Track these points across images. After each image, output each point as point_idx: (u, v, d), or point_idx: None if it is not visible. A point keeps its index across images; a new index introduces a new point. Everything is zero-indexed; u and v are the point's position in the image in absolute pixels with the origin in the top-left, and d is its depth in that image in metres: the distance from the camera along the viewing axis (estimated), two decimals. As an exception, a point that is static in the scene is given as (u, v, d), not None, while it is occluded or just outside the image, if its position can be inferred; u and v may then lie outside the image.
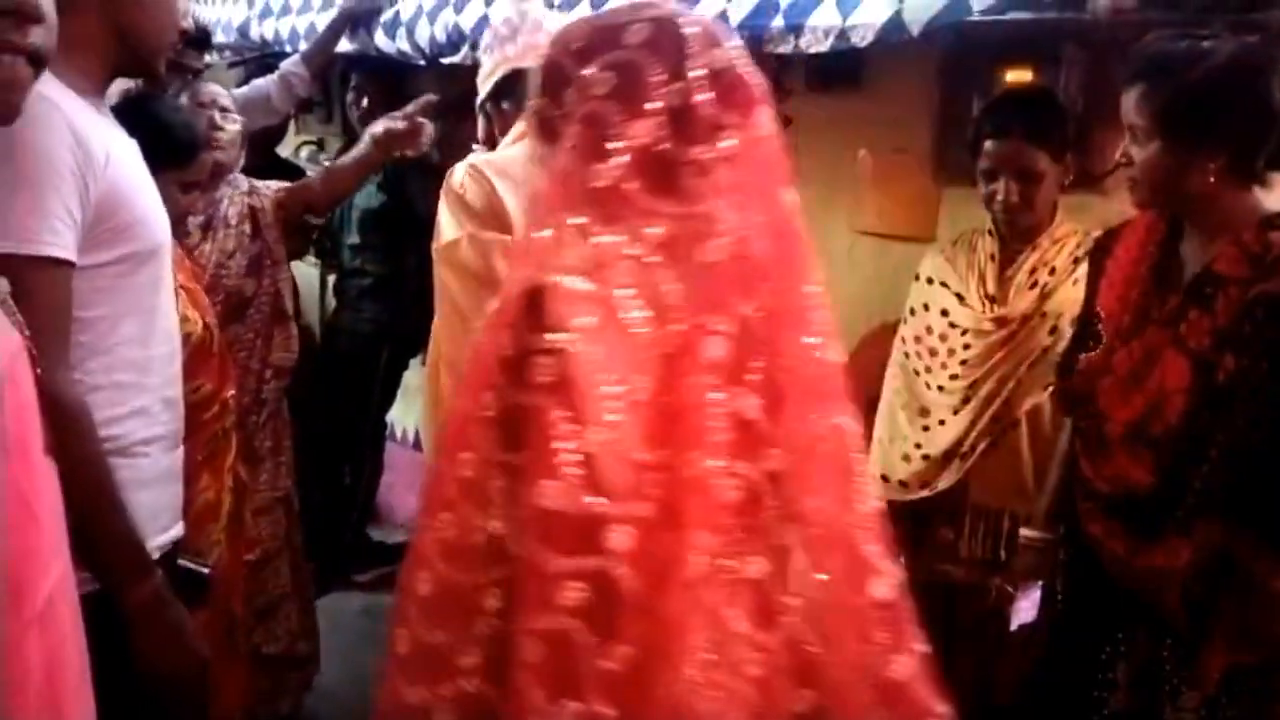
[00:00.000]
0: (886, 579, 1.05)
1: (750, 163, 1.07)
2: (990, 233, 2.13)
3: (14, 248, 1.17)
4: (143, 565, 1.36)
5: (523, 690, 0.96)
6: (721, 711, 0.98)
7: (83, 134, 1.29)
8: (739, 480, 1.00)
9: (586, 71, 1.06)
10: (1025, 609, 1.85)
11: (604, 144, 1.03)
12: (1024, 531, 1.91)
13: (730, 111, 1.06)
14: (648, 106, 1.03)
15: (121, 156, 1.37)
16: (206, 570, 1.62)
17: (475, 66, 2.78)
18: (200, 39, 2.93)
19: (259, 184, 2.63)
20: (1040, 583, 1.84)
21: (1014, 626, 1.87)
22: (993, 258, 2.11)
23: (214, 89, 2.51)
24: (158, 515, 1.47)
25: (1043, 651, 1.79)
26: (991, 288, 2.09)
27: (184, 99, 2.39)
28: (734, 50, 1.09)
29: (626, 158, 1.03)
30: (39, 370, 0.97)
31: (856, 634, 1.04)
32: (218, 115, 2.45)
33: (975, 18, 1.89)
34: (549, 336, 0.98)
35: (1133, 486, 1.55)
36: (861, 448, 1.09)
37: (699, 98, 1.04)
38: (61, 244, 1.23)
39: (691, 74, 1.04)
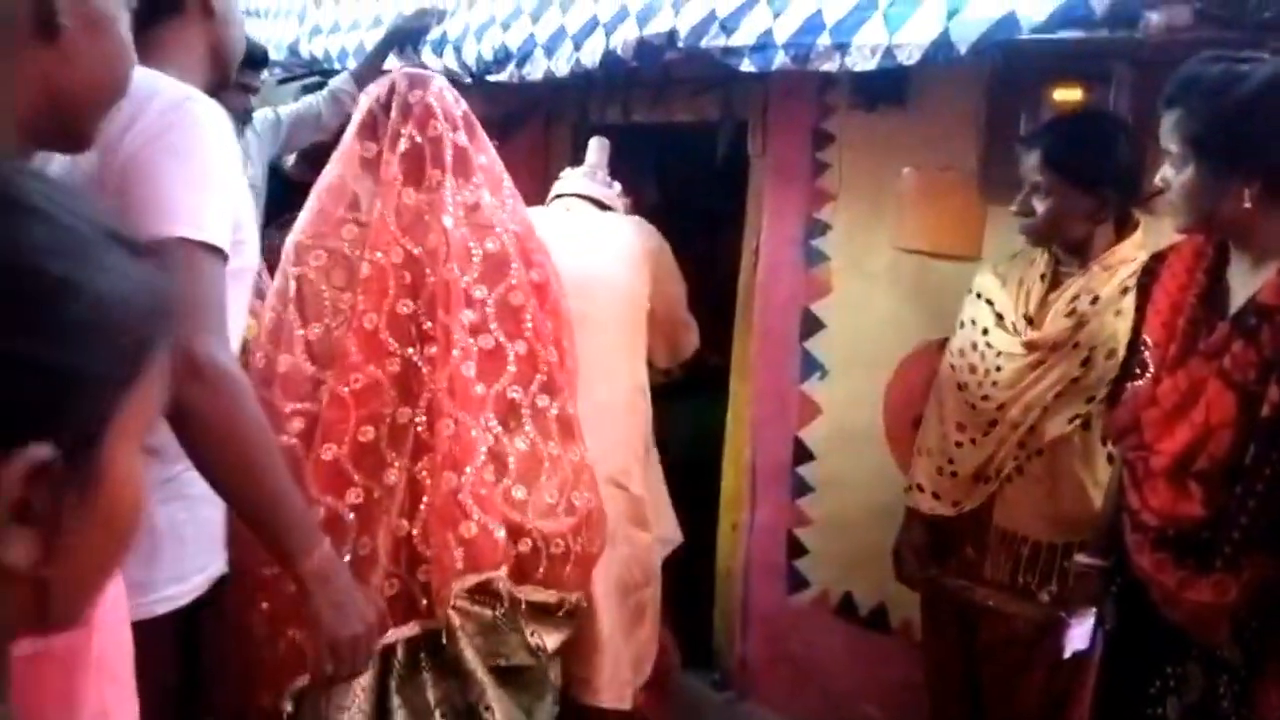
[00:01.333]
0: (447, 418, 1.69)
1: (419, 158, 1.77)
2: (1048, 250, 2.08)
3: (189, 232, 1.24)
4: (312, 531, 1.38)
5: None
6: (370, 519, 1.69)
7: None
8: (402, 360, 1.72)
9: (356, 116, 1.86)
10: (1078, 637, 1.81)
11: (353, 158, 1.81)
12: (1078, 558, 1.86)
13: (407, 126, 1.77)
14: (376, 136, 1.81)
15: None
16: None
17: (522, 84, 2.82)
18: (259, 59, 3.00)
19: None
20: (1094, 611, 1.80)
21: (1067, 654, 1.83)
22: (1043, 277, 2.06)
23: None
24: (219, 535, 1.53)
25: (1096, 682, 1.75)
26: (1033, 308, 2.05)
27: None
28: (433, 92, 1.80)
29: (356, 164, 1.81)
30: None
31: (449, 464, 1.69)
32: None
33: (1025, 36, 1.87)
34: (297, 269, 1.76)
35: (1180, 520, 1.51)
36: (464, 348, 1.73)
37: (390, 121, 1.79)
38: (225, 242, 1.29)
39: (391, 113, 1.80)
